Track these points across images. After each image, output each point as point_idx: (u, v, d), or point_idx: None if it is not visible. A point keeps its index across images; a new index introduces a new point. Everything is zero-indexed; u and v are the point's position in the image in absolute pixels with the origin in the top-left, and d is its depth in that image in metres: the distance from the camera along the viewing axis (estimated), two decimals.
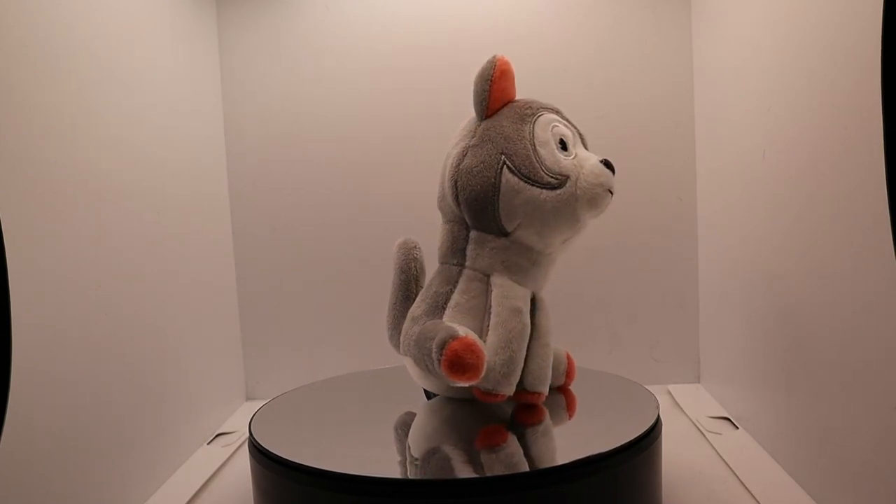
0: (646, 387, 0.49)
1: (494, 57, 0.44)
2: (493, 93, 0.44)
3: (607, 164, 0.44)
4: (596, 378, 0.53)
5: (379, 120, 0.70)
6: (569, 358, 0.50)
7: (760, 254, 0.52)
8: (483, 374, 0.40)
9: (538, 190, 0.42)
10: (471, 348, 0.39)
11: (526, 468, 0.38)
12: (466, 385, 0.40)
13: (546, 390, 0.45)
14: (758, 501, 0.44)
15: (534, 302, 0.45)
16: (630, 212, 0.69)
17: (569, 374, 0.50)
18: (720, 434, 0.56)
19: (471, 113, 0.45)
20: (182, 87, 0.61)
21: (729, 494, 0.46)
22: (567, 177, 0.42)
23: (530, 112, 0.44)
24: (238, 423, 0.65)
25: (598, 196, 0.43)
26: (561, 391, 0.49)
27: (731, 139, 0.58)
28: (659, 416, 0.43)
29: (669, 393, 0.67)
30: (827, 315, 0.42)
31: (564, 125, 0.45)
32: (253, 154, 0.71)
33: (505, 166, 0.42)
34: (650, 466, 0.41)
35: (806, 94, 0.44)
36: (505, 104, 0.44)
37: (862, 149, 0.36)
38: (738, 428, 0.57)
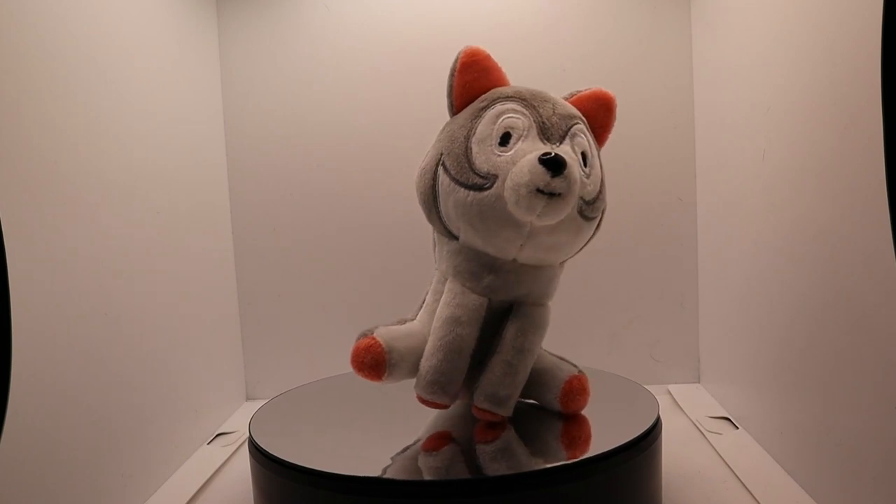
0: (646, 387, 0.49)
1: (462, 49, 0.42)
2: (456, 87, 0.42)
3: (549, 161, 0.37)
4: (596, 378, 0.52)
5: (379, 120, 0.70)
6: (572, 382, 0.43)
7: (760, 254, 0.52)
8: (387, 375, 0.41)
9: (465, 192, 0.39)
10: (368, 349, 0.41)
11: (526, 468, 0.38)
12: (377, 383, 0.42)
13: (496, 409, 0.41)
14: (758, 501, 0.44)
15: (509, 311, 0.42)
16: (630, 212, 0.69)
17: (564, 399, 0.43)
18: (720, 434, 0.56)
19: None
20: (182, 87, 0.61)
21: (729, 494, 0.46)
22: (496, 176, 0.38)
23: (484, 105, 0.41)
24: (238, 423, 0.65)
25: (522, 198, 0.37)
26: (565, 418, 0.44)
27: (731, 139, 0.58)
28: (659, 416, 0.43)
29: (669, 393, 0.67)
30: (827, 315, 0.42)
31: (522, 116, 0.40)
32: (253, 154, 0.71)
33: (441, 166, 0.40)
34: (650, 466, 0.41)
35: (806, 94, 0.44)
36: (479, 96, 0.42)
37: (862, 149, 0.36)
38: (738, 428, 0.57)
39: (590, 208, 0.41)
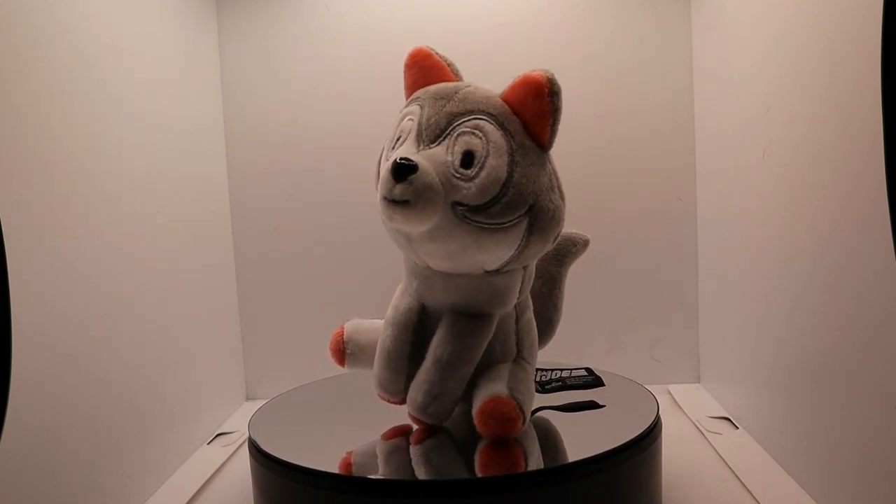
0: (646, 387, 0.49)
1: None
2: (405, 88, 0.42)
3: (393, 167, 0.36)
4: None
5: (379, 120, 0.70)
6: (487, 404, 0.38)
7: (760, 254, 0.52)
8: (347, 363, 0.46)
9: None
10: (334, 337, 0.47)
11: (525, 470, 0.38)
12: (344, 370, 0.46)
13: (419, 415, 0.41)
14: (758, 501, 0.44)
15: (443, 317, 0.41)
16: (630, 212, 0.69)
17: (477, 420, 0.39)
18: (720, 434, 0.56)
19: None
20: (182, 87, 0.61)
21: (729, 494, 0.46)
22: None
23: (403, 107, 0.40)
24: (238, 423, 0.65)
25: (381, 206, 0.37)
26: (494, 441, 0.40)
27: (731, 139, 0.58)
28: (659, 416, 0.43)
29: (669, 393, 0.67)
30: (827, 315, 0.42)
31: (414, 117, 0.39)
32: (253, 154, 0.71)
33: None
34: (650, 466, 0.41)
35: (806, 94, 0.44)
36: None
37: (862, 149, 0.36)
38: (738, 428, 0.57)
39: (480, 214, 0.36)
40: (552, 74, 0.38)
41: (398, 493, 0.36)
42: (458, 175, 0.37)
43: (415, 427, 0.43)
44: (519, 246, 0.38)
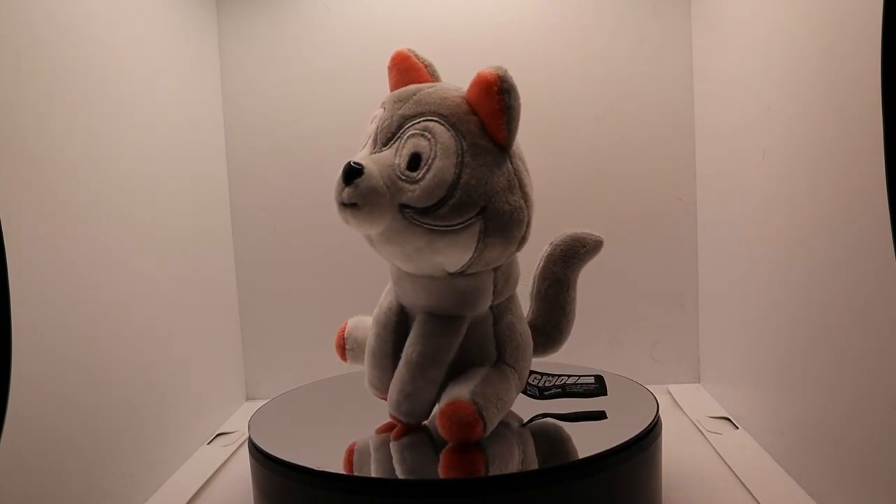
0: (646, 387, 0.49)
1: None
2: (389, 90, 0.43)
3: (343, 171, 0.37)
4: None
5: None
6: (445, 408, 0.38)
7: (760, 254, 0.52)
8: (348, 359, 0.48)
9: None
10: (338, 332, 0.49)
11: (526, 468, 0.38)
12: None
13: (400, 416, 0.41)
14: (758, 501, 0.44)
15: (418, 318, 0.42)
16: (630, 212, 0.69)
17: (438, 423, 0.38)
18: (720, 434, 0.56)
19: None
20: (182, 87, 0.61)
21: (729, 494, 0.46)
22: None
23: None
24: (238, 423, 0.65)
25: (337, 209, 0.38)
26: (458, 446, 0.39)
27: (731, 139, 0.58)
28: (659, 416, 0.43)
29: (669, 393, 0.67)
30: (827, 315, 0.42)
31: (376, 120, 0.40)
32: (253, 154, 0.71)
33: None
34: (650, 466, 0.41)
35: (806, 94, 0.44)
36: None
37: (862, 149, 0.36)
38: (738, 428, 0.57)
39: (428, 216, 0.36)
40: (504, 71, 0.37)
41: (398, 493, 0.36)
42: (403, 177, 0.37)
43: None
44: (476, 248, 0.38)
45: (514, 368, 0.43)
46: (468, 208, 0.37)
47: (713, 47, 0.62)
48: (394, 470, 0.39)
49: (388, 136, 0.38)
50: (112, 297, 0.46)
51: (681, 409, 0.63)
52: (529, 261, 0.47)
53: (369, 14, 0.69)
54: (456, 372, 0.41)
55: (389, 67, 0.43)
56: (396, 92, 0.40)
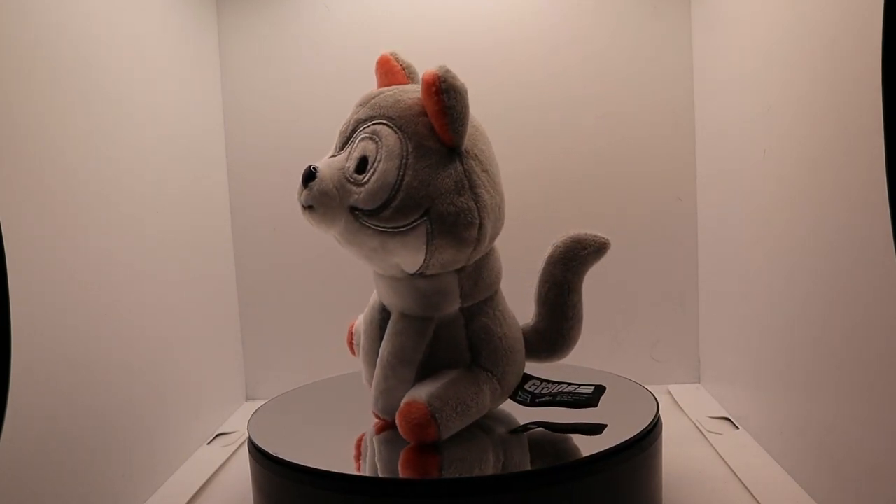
0: (646, 387, 0.49)
1: None
2: None
3: (303, 174, 0.39)
4: (596, 378, 0.52)
5: None
6: (401, 408, 0.39)
7: (760, 254, 0.52)
8: (356, 354, 0.48)
9: None
10: (348, 330, 0.51)
11: (525, 468, 0.38)
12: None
13: (375, 411, 0.43)
14: (758, 501, 0.44)
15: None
16: (630, 212, 0.69)
17: (397, 423, 0.39)
18: (720, 434, 0.56)
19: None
20: (182, 87, 0.61)
21: (729, 494, 0.46)
22: None
23: None
24: (238, 423, 0.65)
25: None
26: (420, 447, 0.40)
27: (731, 139, 0.58)
28: (659, 416, 0.43)
29: (669, 393, 0.67)
30: (827, 315, 0.42)
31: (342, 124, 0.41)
32: (253, 154, 0.71)
33: None
34: (650, 466, 0.41)
35: (806, 94, 0.44)
36: None
37: (862, 149, 0.36)
38: (738, 428, 0.57)
39: (374, 218, 0.37)
40: (445, 71, 0.37)
41: (398, 493, 0.36)
42: (351, 180, 0.38)
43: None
44: (427, 250, 0.38)
45: (491, 373, 0.42)
46: (411, 210, 0.37)
47: (713, 47, 0.62)
48: (377, 467, 0.40)
49: (343, 140, 0.40)
50: (112, 297, 0.46)
51: (681, 409, 0.63)
52: (535, 262, 0.46)
53: (369, 14, 0.69)
54: (429, 372, 0.41)
55: (375, 70, 0.43)
56: (362, 95, 0.41)
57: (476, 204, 0.38)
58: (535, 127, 0.69)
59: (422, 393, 0.39)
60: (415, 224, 0.37)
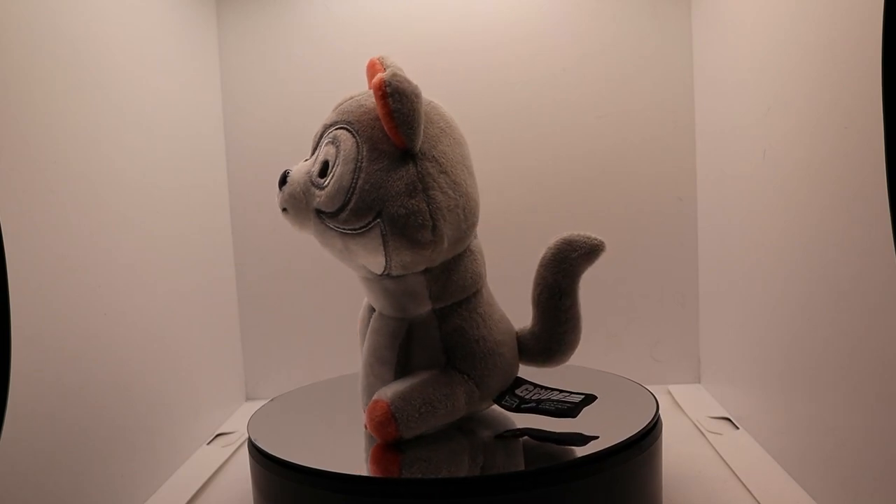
0: (646, 387, 0.49)
1: None
2: None
3: (280, 178, 0.41)
4: (596, 378, 0.53)
5: None
6: (371, 405, 0.40)
7: (761, 253, 0.52)
8: None
9: None
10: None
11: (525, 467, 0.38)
12: None
13: (363, 408, 0.43)
14: (758, 501, 0.44)
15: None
16: (630, 211, 0.69)
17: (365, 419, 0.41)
18: (720, 434, 0.56)
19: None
20: (182, 87, 0.61)
21: (729, 494, 0.46)
22: None
23: None
24: (238, 423, 0.65)
25: None
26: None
27: (731, 139, 0.58)
28: (659, 416, 0.43)
29: (669, 393, 0.67)
30: (827, 315, 0.42)
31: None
32: (253, 154, 0.71)
33: None
34: (650, 466, 0.41)
35: (806, 94, 0.44)
36: None
37: (862, 149, 0.36)
38: (738, 428, 0.57)
39: (334, 220, 0.39)
40: (391, 74, 0.37)
41: (398, 493, 0.36)
42: (315, 184, 0.40)
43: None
44: (385, 252, 0.38)
45: (468, 376, 0.42)
46: (364, 213, 0.38)
47: (713, 47, 0.62)
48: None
49: (314, 144, 0.42)
50: (112, 297, 0.46)
51: (681, 409, 0.63)
52: (534, 263, 0.45)
53: (369, 14, 0.69)
54: (407, 372, 0.42)
55: (366, 74, 0.43)
56: (341, 100, 0.42)
57: (429, 206, 0.38)
58: (534, 127, 0.69)
59: (388, 392, 0.40)
60: (370, 226, 0.38)
